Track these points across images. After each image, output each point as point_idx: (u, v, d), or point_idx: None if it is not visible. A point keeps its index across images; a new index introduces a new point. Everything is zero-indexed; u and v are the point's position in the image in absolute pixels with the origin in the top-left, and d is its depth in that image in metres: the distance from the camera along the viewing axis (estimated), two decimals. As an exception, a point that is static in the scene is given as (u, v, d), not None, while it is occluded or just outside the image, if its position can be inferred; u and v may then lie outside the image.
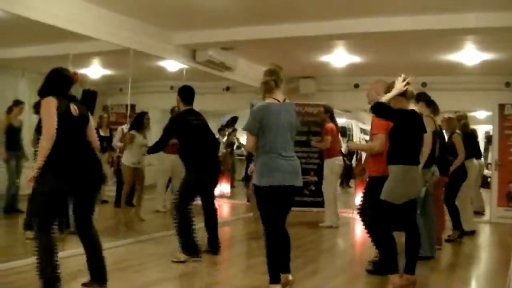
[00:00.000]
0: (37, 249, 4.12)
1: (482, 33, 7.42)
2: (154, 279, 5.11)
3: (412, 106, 4.96)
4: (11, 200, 8.06)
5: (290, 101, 4.77)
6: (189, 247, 5.95)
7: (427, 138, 6.03)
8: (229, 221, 9.33)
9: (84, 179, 4.28)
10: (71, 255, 5.37)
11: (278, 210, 4.64)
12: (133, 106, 10.36)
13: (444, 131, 7.87)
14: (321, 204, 11.07)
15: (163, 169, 9.67)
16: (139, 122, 8.61)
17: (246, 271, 5.85)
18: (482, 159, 12.80)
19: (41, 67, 9.73)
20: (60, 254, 5.51)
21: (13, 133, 8.01)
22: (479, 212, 10.84)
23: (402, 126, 4.89)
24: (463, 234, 7.84)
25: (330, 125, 8.82)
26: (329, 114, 9.09)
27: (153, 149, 6.69)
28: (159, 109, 11.86)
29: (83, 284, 4.49)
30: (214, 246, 6.35)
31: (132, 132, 8.31)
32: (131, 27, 7.47)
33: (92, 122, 4.57)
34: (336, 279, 5.37)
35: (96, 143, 4.59)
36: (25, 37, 7.74)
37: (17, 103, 8.27)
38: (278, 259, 4.51)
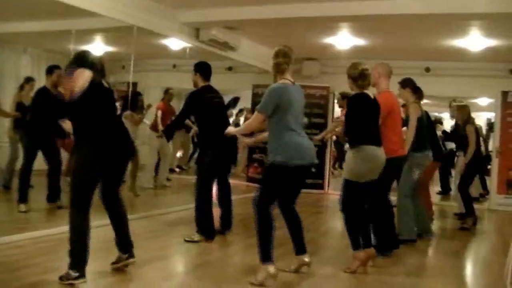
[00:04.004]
0: (71, 226, 4.13)
1: (490, 18, 7.36)
2: (150, 256, 5.13)
3: (366, 90, 5.07)
4: (11, 176, 8.07)
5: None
6: (206, 229, 5.98)
7: (411, 124, 6.15)
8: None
9: (117, 152, 4.35)
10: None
11: (294, 189, 4.76)
12: (135, 84, 10.33)
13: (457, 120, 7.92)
14: (321, 186, 11.15)
15: (153, 147, 9.87)
16: (134, 103, 8.73)
17: (244, 250, 5.86)
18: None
19: (43, 43, 9.78)
20: (54, 230, 5.65)
21: (22, 112, 7.76)
22: (476, 198, 10.85)
23: (354, 109, 5.07)
24: (476, 221, 7.83)
25: None
26: (347, 99, 9.05)
27: (170, 127, 6.68)
28: (161, 87, 11.82)
29: (113, 263, 4.52)
30: (226, 224, 6.38)
31: (128, 112, 8.44)
32: (135, 3, 7.41)
33: None
34: (333, 261, 5.38)
35: None
36: (27, 12, 7.70)
37: (28, 80, 8.19)
38: (272, 240, 4.48)
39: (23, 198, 6.77)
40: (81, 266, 4.07)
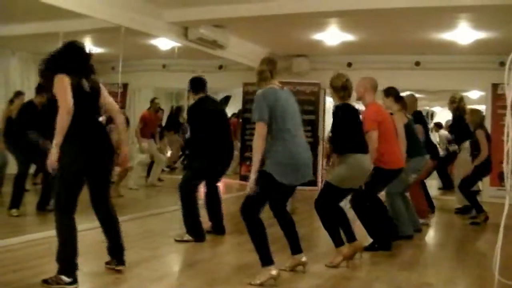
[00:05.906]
0: (57, 230, 4.11)
1: (478, 11, 7.36)
2: (142, 257, 5.12)
3: (348, 100, 5.20)
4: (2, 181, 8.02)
5: (283, 81, 4.75)
6: (194, 231, 5.97)
7: (401, 133, 6.16)
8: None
9: (99, 155, 4.30)
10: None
11: (284, 195, 4.79)
12: (125, 85, 10.31)
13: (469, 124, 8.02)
14: (313, 183, 11.13)
15: (138, 149, 10.00)
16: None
17: (236, 248, 5.85)
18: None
19: (32, 46, 9.72)
20: (46, 233, 5.61)
21: (10, 126, 7.61)
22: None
23: (340, 119, 5.17)
24: (488, 218, 7.82)
25: None
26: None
27: (191, 148, 6.81)
28: (152, 87, 11.83)
29: (107, 263, 4.55)
30: (218, 228, 6.40)
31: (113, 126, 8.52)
32: (122, 4, 7.38)
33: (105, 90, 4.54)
34: (325, 257, 5.36)
35: (116, 106, 4.69)
36: (14, 14, 7.64)
37: (18, 94, 8.14)
38: (267, 242, 4.42)
39: (16, 204, 6.76)
40: (72, 271, 4.04)
